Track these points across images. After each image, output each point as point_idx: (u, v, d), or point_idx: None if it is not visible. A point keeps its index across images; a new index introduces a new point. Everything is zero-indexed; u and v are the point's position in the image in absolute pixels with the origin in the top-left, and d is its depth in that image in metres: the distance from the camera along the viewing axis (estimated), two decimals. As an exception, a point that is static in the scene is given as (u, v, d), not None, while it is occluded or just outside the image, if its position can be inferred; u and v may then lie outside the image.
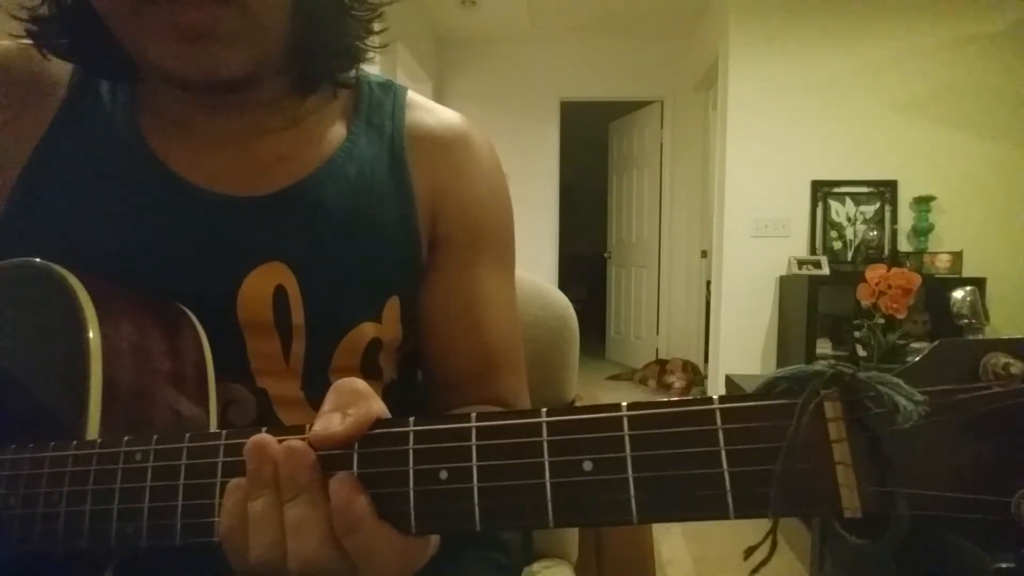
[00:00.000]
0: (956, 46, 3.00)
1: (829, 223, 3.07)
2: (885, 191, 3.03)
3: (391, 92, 0.53)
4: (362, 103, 0.51)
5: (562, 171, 4.45)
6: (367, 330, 0.47)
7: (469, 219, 0.51)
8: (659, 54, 4.25)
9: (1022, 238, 2.89)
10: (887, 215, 3.02)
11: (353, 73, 0.51)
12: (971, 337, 0.24)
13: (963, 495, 0.22)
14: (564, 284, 1.39)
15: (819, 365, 0.24)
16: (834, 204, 3.08)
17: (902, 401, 0.22)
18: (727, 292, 3.17)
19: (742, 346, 3.11)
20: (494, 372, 0.51)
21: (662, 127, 4.33)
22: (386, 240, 0.48)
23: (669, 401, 0.25)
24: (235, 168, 0.46)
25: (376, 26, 0.49)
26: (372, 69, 3.28)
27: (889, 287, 1.88)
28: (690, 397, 0.26)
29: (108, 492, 0.31)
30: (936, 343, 0.24)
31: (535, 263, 4.25)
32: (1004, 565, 0.23)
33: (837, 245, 3.06)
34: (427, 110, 0.53)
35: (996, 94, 2.97)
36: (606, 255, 5.16)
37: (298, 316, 0.44)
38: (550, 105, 4.34)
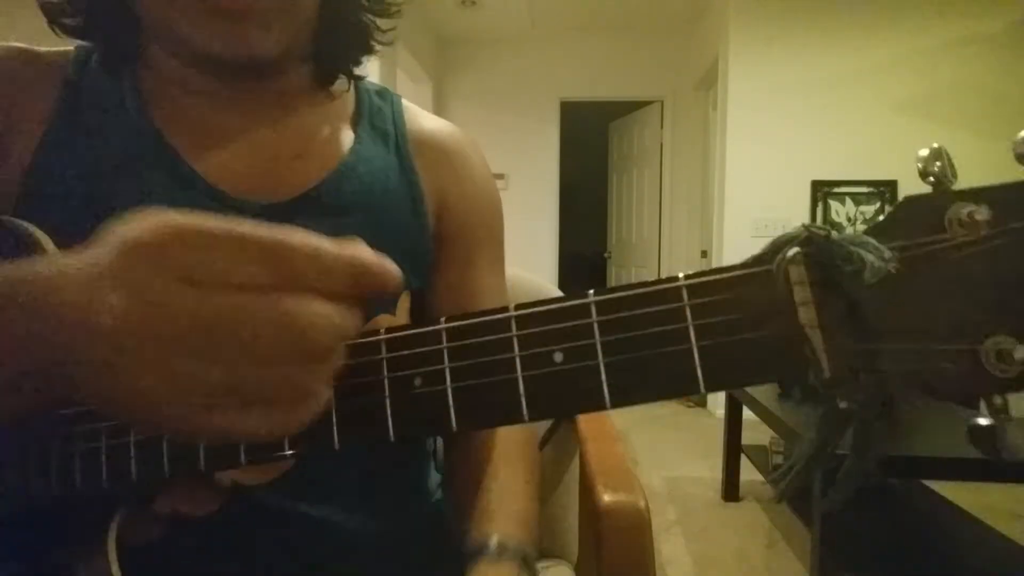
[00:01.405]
0: (956, 46, 3.01)
1: (829, 223, 3.07)
2: (885, 191, 3.03)
3: (389, 99, 0.55)
4: (363, 108, 0.53)
5: (562, 171, 4.45)
6: (382, 322, 0.48)
7: (469, 218, 0.54)
8: (659, 54, 4.25)
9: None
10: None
11: (360, 69, 0.54)
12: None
13: (933, 346, 0.22)
14: (564, 284, 1.38)
15: (795, 229, 0.24)
16: (834, 204, 3.08)
17: (870, 257, 0.22)
18: (727, 292, 3.16)
19: (742, 346, 3.11)
20: None
21: (662, 127, 4.33)
22: (400, 237, 0.50)
23: (636, 284, 0.25)
24: (254, 168, 0.46)
25: (385, 24, 0.52)
26: (373, 67, 3.25)
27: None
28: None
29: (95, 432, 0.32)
30: (901, 199, 0.24)
31: (535, 263, 4.25)
32: (982, 421, 0.22)
33: (837, 245, 3.06)
34: (424, 116, 0.57)
35: (996, 94, 2.98)
36: (606, 255, 5.16)
37: None
38: (550, 105, 4.34)
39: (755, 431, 2.14)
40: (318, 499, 0.48)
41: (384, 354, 0.28)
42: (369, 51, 0.52)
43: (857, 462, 0.24)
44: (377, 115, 0.53)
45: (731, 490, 2.22)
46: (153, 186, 0.44)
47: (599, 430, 0.75)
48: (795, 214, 3.11)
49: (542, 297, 0.81)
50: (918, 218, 0.23)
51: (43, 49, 0.47)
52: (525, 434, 0.54)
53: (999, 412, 0.22)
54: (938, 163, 0.23)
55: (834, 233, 0.23)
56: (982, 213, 0.22)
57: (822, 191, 3.09)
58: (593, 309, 0.25)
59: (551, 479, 0.74)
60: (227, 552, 0.45)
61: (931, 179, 0.23)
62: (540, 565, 0.71)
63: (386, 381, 0.27)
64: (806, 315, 0.23)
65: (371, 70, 3.06)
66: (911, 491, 1.82)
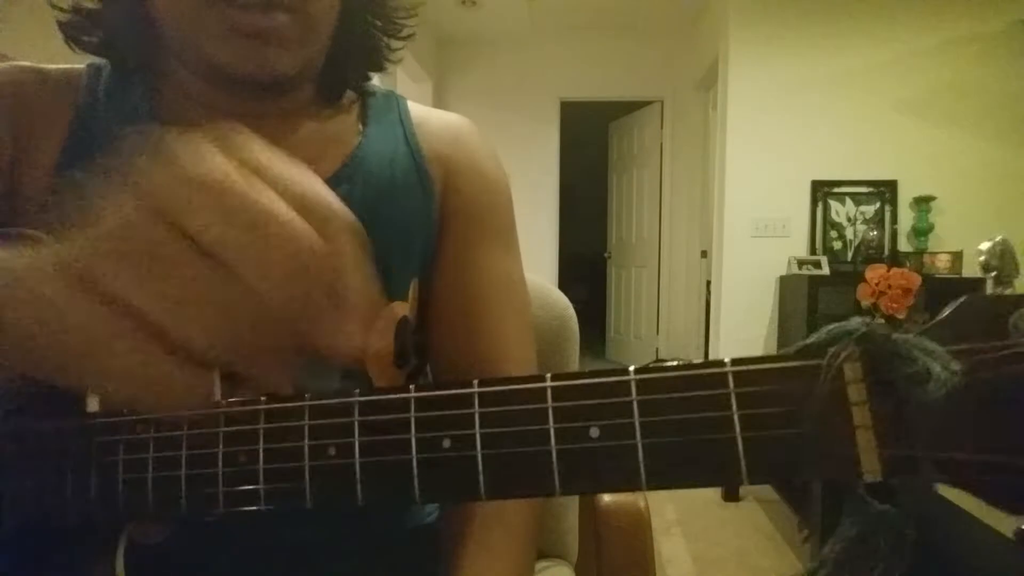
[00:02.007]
0: (956, 46, 3.00)
1: (829, 223, 3.07)
2: (885, 191, 3.03)
3: (394, 99, 0.56)
4: (369, 109, 0.54)
5: (562, 171, 4.45)
6: (397, 308, 0.49)
7: (473, 199, 0.54)
8: (659, 54, 4.25)
9: (1022, 238, 2.89)
10: (887, 215, 3.02)
11: (368, 85, 0.55)
12: (999, 291, 0.23)
13: (986, 457, 0.21)
14: (564, 284, 1.39)
15: (852, 322, 0.23)
16: (834, 204, 3.08)
17: (937, 369, 0.21)
18: (727, 292, 3.16)
19: (742, 346, 3.11)
20: (498, 354, 0.51)
21: (662, 127, 4.33)
22: (412, 225, 0.50)
23: (679, 365, 0.25)
24: None
25: (395, 43, 0.54)
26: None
27: (889, 287, 1.89)
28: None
29: (113, 463, 0.31)
30: (963, 298, 0.23)
31: (535, 263, 4.25)
32: None
33: (837, 245, 3.06)
34: (430, 110, 0.57)
35: (996, 94, 2.97)
36: (606, 255, 5.16)
37: None
38: (550, 105, 4.34)
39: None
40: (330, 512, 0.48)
41: (412, 412, 0.27)
42: (379, 69, 0.53)
43: (889, 566, 0.24)
44: (383, 115, 0.54)
45: (731, 490, 2.22)
46: None
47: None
48: (795, 214, 3.11)
49: (542, 297, 0.81)
50: (979, 320, 0.22)
51: (51, 68, 0.47)
52: None
53: None
54: (1001, 255, 0.22)
55: (895, 335, 0.22)
56: None
57: (822, 191, 3.09)
58: (633, 387, 0.25)
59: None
60: (232, 555, 0.46)
61: (994, 273, 0.22)
62: (540, 565, 0.71)
63: (413, 440, 0.27)
64: (859, 416, 0.23)
65: (371, 70, 3.06)
66: (911, 491, 1.82)
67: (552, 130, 4.36)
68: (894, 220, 3.01)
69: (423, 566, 0.50)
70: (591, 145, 5.76)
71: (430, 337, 0.53)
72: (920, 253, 2.90)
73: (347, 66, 0.51)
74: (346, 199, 0.47)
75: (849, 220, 3.06)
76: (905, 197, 2.99)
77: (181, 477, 0.30)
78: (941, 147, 3.00)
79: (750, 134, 3.15)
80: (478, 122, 0.59)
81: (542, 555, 0.73)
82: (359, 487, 0.27)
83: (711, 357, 0.27)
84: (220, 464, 0.29)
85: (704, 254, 3.98)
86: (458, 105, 4.30)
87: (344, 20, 0.45)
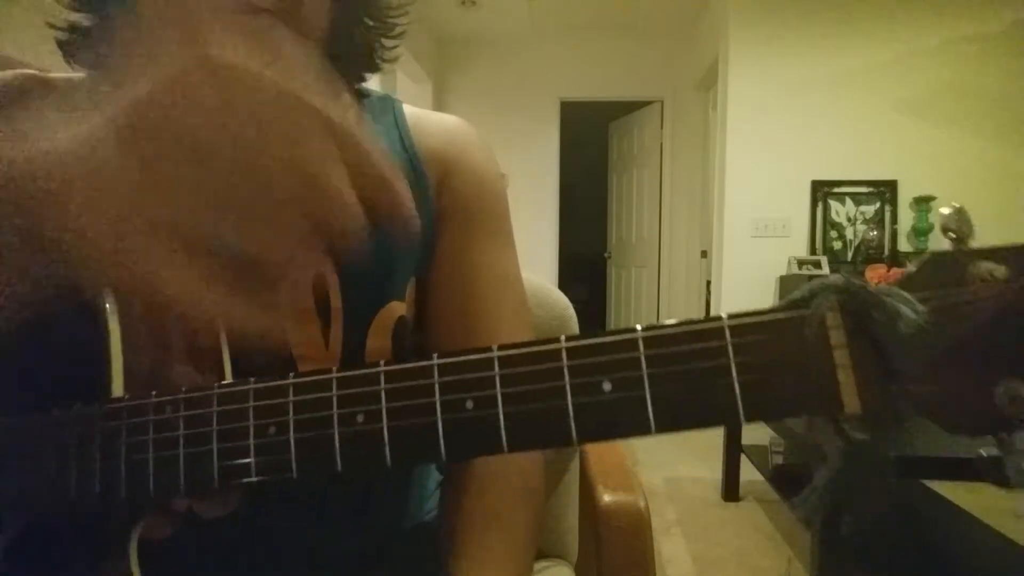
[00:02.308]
0: (956, 46, 3.00)
1: (829, 223, 3.07)
2: (885, 191, 3.03)
3: (389, 102, 0.57)
4: (365, 112, 0.54)
5: (562, 171, 4.45)
6: (396, 308, 0.49)
7: (467, 194, 0.53)
8: (659, 54, 4.25)
9: (1022, 238, 2.89)
10: (887, 215, 3.02)
11: (364, 87, 0.55)
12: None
13: (952, 388, 0.25)
14: (564, 284, 1.39)
15: (832, 278, 0.26)
16: (834, 204, 3.08)
17: (905, 310, 0.24)
18: (727, 292, 3.16)
19: (742, 346, 3.11)
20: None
21: (662, 127, 4.33)
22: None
23: (681, 322, 0.27)
24: None
25: (389, 43, 0.53)
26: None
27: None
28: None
29: (143, 444, 0.32)
30: (926, 255, 0.27)
31: (535, 263, 4.25)
32: (989, 452, 0.26)
33: (837, 245, 3.06)
34: (425, 113, 0.57)
35: (996, 94, 2.97)
36: (606, 255, 5.16)
37: (336, 301, 0.46)
38: (550, 105, 4.34)
39: (755, 431, 2.14)
40: (329, 501, 0.49)
41: (436, 378, 0.29)
42: (375, 69, 0.53)
43: (872, 492, 0.27)
44: (379, 117, 0.54)
45: (731, 490, 2.22)
46: None
47: (599, 430, 0.75)
48: (795, 214, 3.11)
49: (542, 297, 0.81)
50: (944, 272, 0.26)
51: (56, 75, 0.47)
52: (535, 460, 0.52)
53: (1006, 445, 0.26)
54: (959, 222, 0.27)
55: (869, 284, 0.26)
56: (1000, 271, 0.25)
57: (822, 191, 3.09)
58: (641, 344, 0.27)
59: (551, 479, 0.74)
60: (240, 551, 0.46)
61: (952, 235, 0.27)
62: (540, 565, 0.71)
63: (438, 404, 0.29)
64: (840, 357, 0.26)
65: (371, 70, 3.06)
66: (911, 491, 1.83)
67: (552, 130, 4.36)
68: (894, 220, 3.01)
69: (422, 565, 0.50)
70: (591, 145, 5.76)
71: (428, 336, 0.53)
72: (920, 253, 2.90)
73: (343, 68, 0.50)
74: None
75: (849, 220, 3.06)
76: (905, 197, 2.99)
77: (213, 451, 0.31)
78: (941, 147, 3.00)
79: (750, 134, 3.15)
80: (478, 122, 0.58)
81: (542, 555, 0.73)
82: (387, 450, 0.29)
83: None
84: (252, 436, 0.31)
85: (704, 254, 3.98)
86: (458, 105, 4.30)
87: (337, 21, 0.45)
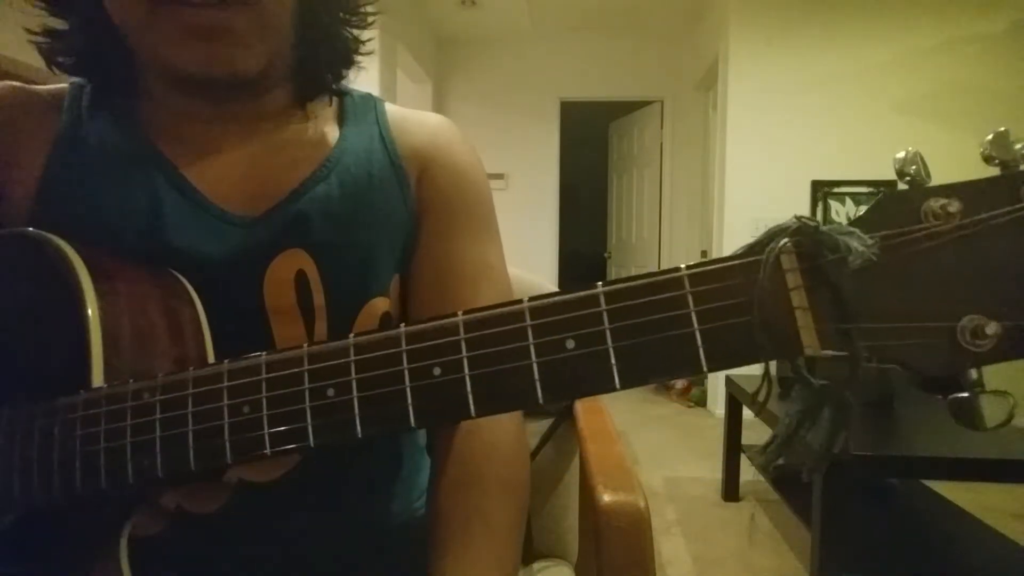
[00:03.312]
0: (956, 46, 3.01)
1: (829, 223, 3.07)
2: (885, 191, 3.03)
3: (371, 100, 0.57)
4: (347, 110, 0.54)
5: (562, 171, 4.45)
6: (379, 304, 0.49)
7: (449, 190, 0.53)
8: (659, 54, 4.25)
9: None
10: (887, 215, 3.02)
11: (345, 80, 0.54)
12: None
13: (913, 325, 0.24)
14: (564, 284, 1.39)
15: (787, 220, 0.26)
16: (834, 204, 3.08)
17: (854, 244, 0.24)
18: (727, 292, 3.16)
19: (742, 346, 3.11)
20: None
21: (662, 127, 4.33)
22: (389, 221, 0.50)
23: (640, 275, 0.27)
24: (249, 185, 0.47)
25: (366, 35, 0.53)
26: (373, 68, 3.23)
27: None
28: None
29: (120, 430, 0.33)
30: (880, 194, 0.26)
31: (535, 263, 4.25)
32: (959, 395, 0.25)
33: (837, 245, 3.06)
34: (408, 111, 0.57)
35: (996, 94, 2.98)
36: (606, 255, 5.16)
37: (319, 298, 0.46)
38: (550, 105, 4.34)
39: (755, 431, 2.14)
40: (318, 497, 0.49)
41: (404, 346, 0.29)
42: (350, 64, 0.53)
43: (831, 434, 0.26)
44: (361, 116, 0.54)
45: (731, 490, 2.22)
46: (163, 203, 0.44)
47: (599, 430, 0.75)
48: (795, 214, 3.11)
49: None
50: (897, 211, 0.25)
51: (39, 88, 0.48)
52: (519, 454, 0.51)
53: (974, 385, 0.25)
54: (913, 166, 0.26)
55: (823, 225, 0.25)
56: (954, 205, 0.24)
57: (822, 191, 3.09)
58: (602, 299, 0.27)
59: (551, 479, 0.75)
60: (229, 547, 0.46)
61: (907, 179, 0.26)
62: (540, 565, 0.71)
63: (406, 372, 0.29)
64: (797, 299, 0.25)
65: (371, 70, 3.06)
66: (911, 491, 1.83)
67: (552, 130, 4.35)
68: (894, 220, 3.01)
69: (414, 560, 0.50)
70: (591, 145, 5.75)
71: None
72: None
73: (319, 63, 0.50)
74: (325, 198, 0.47)
75: (849, 220, 3.06)
76: (905, 197, 2.99)
77: (188, 434, 0.32)
78: (941, 147, 3.00)
79: (750, 134, 3.15)
80: (478, 122, 0.59)
81: (542, 555, 0.73)
82: (357, 421, 0.29)
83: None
84: (226, 416, 0.31)
85: (704, 254, 3.98)
86: (458, 105, 4.30)
87: (304, 13, 0.45)
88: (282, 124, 0.50)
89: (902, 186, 0.26)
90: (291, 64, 0.48)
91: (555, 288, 0.75)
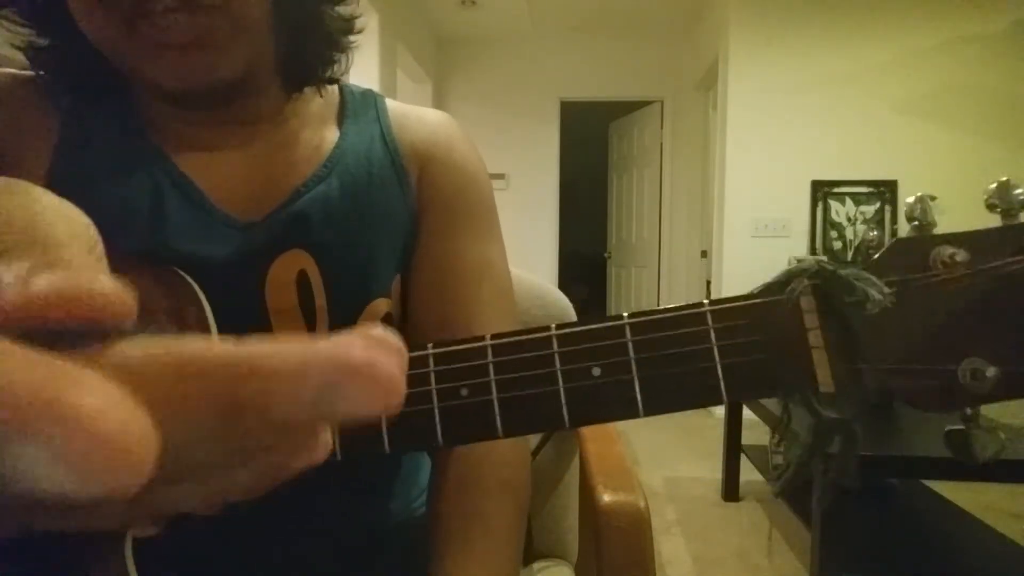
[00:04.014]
0: (956, 46, 3.01)
1: (829, 223, 3.07)
2: (885, 191, 3.03)
3: (372, 97, 0.56)
4: (347, 107, 0.54)
5: (562, 171, 4.45)
6: (380, 305, 0.49)
7: (450, 188, 0.53)
8: (659, 54, 4.25)
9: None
10: (887, 215, 3.02)
11: (339, 68, 0.52)
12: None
13: (918, 366, 0.26)
14: (564, 284, 1.39)
15: (806, 262, 0.28)
16: (834, 204, 3.08)
17: (872, 292, 0.26)
18: (727, 292, 3.15)
19: (742, 346, 3.11)
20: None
21: (662, 127, 4.33)
22: (389, 220, 0.50)
23: (665, 308, 0.28)
24: (250, 187, 0.47)
25: (355, 24, 0.51)
26: (373, 66, 3.22)
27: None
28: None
29: None
30: (892, 240, 0.28)
31: (535, 263, 4.25)
32: (955, 427, 0.27)
33: (837, 245, 3.06)
34: (409, 108, 0.57)
35: (996, 94, 2.98)
36: (606, 255, 5.16)
37: (320, 299, 0.46)
38: (550, 105, 4.34)
39: (755, 431, 2.14)
40: (318, 497, 0.49)
41: (432, 367, 0.30)
42: (338, 47, 0.50)
43: (842, 465, 0.28)
44: (361, 112, 0.54)
45: (731, 490, 2.22)
46: (166, 207, 0.44)
47: (599, 430, 0.75)
48: (795, 214, 3.11)
49: (542, 297, 0.80)
50: (908, 256, 0.27)
51: (36, 77, 0.47)
52: (519, 454, 0.51)
53: (970, 420, 0.27)
54: (921, 210, 0.28)
55: (840, 268, 0.27)
56: (961, 255, 0.26)
57: (822, 191, 3.09)
58: (628, 330, 0.28)
59: (551, 479, 0.74)
60: (229, 547, 0.46)
61: (916, 223, 0.28)
62: (540, 565, 0.71)
63: (434, 392, 0.30)
64: (814, 339, 0.27)
65: (371, 70, 3.06)
66: (911, 491, 1.83)
67: (552, 130, 4.35)
68: (894, 220, 3.01)
69: (413, 560, 0.50)
70: (591, 145, 5.75)
71: (408, 325, 0.53)
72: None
73: (304, 51, 0.48)
74: (325, 198, 0.47)
75: (849, 220, 3.06)
76: (905, 197, 2.99)
77: None
78: (941, 147, 3.00)
79: (750, 134, 3.15)
80: (478, 122, 0.58)
81: (542, 555, 0.73)
82: (385, 437, 0.30)
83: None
84: None
85: (704, 254, 3.98)
86: (458, 105, 4.30)
87: (278, 9, 0.43)
88: (281, 123, 0.50)
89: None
90: (277, 59, 0.47)
91: (555, 288, 0.76)
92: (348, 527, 0.51)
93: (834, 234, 3.07)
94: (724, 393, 0.27)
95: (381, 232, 0.50)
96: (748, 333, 0.27)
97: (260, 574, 0.47)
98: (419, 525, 0.54)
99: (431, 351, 0.30)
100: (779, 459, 2.04)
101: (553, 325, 0.29)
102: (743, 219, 3.16)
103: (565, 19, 4.08)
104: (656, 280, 4.44)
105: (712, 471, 2.45)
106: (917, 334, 0.26)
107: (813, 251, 3.06)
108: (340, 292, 0.47)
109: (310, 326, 0.46)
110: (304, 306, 0.46)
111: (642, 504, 0.59)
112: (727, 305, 0.28)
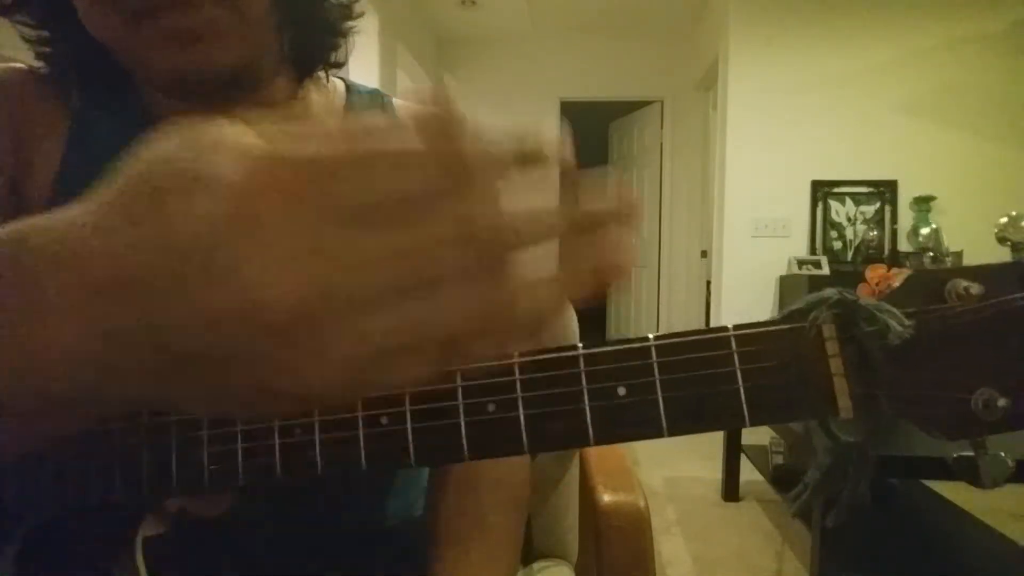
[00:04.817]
0: (956, 46, 3.00)
1: (829, 223, 3.07)
2: (885, 191, 3.03)
3: (380, 97, 0.56)
4: (354, 107, 0.54)
5: (562, 171, 4.45)
6: None
7: None
8: (659, 54, 4.25)
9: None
10: (887, 215, 3.02)
11: (342, 53, 0.52)
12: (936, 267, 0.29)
13: (934, 394, 0.27)
14: (564, 284, 1.39)
15: (827, 291, 0.29)
16: (834, 204, 3.08)
17: (893, 324, 0.27)
18: (727, 292, 3.16)
19: (742, 346, 3.11)
20: None
21: (662, 127, 4.33)
22: None
23: (691, 331, 0.29)
24: None
25: (353, 9, 0.51)
26: (373, 66, 3.22)
27: (889, 287, 1.88)
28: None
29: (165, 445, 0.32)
30: (910, 273, 0.29)
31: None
32: (964, 453, 0.28)
33: (837, 245, 3.06)
34: (413, 105, 0.56)
35: (996, 94, 2.97)
36: (606, 255, 5.16)
37: None
38: (550, 105, 4.34)
39: (755, 431, 2.14)
40: (318, 497, 0.49)
41: (459, 382, 0.30)
42: (340, 32, 0.50)
43: (856, 486, 0.29)
44: (368, 108, 0.53)
45: (731, 490, 2.22)
46: None
47: (599, 430, 0.75)
48: (795, 214, 3.11)
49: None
50: (924, 288, 0.28)
51: (41, 70, 0.47)
52: (515, 459, 0.50)
53: (979, 447, 0.28)
54: (935, 241, 0.28)
55: (861, 299, 0.28)
56: (976, 288, 0.27)
57: (822, 191, 3.09)
58: (653, 352, 0.29)
59: (551, 479, 0.74)
60: (230, 547, 0.46)
61: (931, 255, 0.28)
62: (540, 565, 0.71)
63: (461, 407, 0.30)
64: (835, 366, 0.28)
65: (371, 70, 3.06)
66: (911, 491, 1.82)
67: (552, 130, 4.35)
68: (894, 220, 3.01)
69: (412, 560, 0.50)
70: (591, 145, 5.76)
71: None
72: (920, 253, 2.91)
73: (305, 39, 0.48)
74: None
75: (849, 220, 3.06)
76: (905, 197, 2.99)
77: (237, 451, 0.32)
78: (941, 147, 3.00)
79: (750, 134, 3.15)
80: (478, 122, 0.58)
81: (542, 555, 0.73)
82: (412, 449, 0.30)
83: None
84: (277, 437, 0.31)
85: (704, 254, 3.98)
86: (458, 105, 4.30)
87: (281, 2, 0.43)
88: (289, 119, 0.50)
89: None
90: (281, 47, 0.47)
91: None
92: (348, 527, 0.51)
93: (834, 234, 3.07)
94: (747, 416, 0.28)
95: None
96: (771, 358, 0.28)
97: (261, 573, 0.47)
98: (418, 526, 0.54)
99: (458, 367, 0.30)
100: (779, 459, 2.04)
101: (580, 344, 0.30)
102: (743, 219, 3.16)
103: (565, 19, 4.08)
104: (656, 280, 4.44)
105: (712, 471, 2.45)
106: (932, 363, 0.27)
107: (813, 251, 3.06)
108: None
109: None
110: None
111: (642, 504, 0.59)
112: (751, 331, 0.29)
